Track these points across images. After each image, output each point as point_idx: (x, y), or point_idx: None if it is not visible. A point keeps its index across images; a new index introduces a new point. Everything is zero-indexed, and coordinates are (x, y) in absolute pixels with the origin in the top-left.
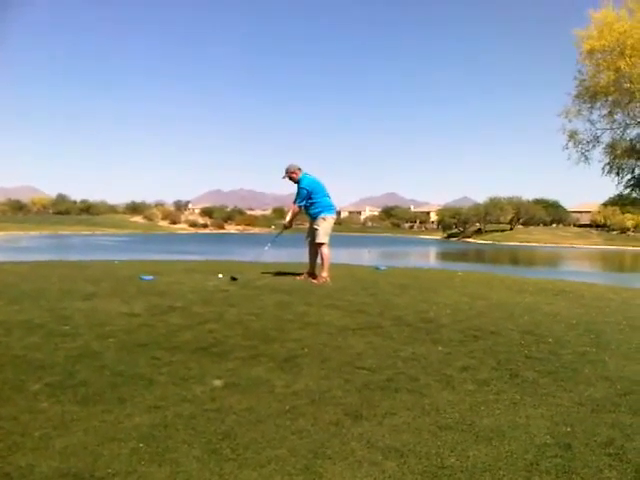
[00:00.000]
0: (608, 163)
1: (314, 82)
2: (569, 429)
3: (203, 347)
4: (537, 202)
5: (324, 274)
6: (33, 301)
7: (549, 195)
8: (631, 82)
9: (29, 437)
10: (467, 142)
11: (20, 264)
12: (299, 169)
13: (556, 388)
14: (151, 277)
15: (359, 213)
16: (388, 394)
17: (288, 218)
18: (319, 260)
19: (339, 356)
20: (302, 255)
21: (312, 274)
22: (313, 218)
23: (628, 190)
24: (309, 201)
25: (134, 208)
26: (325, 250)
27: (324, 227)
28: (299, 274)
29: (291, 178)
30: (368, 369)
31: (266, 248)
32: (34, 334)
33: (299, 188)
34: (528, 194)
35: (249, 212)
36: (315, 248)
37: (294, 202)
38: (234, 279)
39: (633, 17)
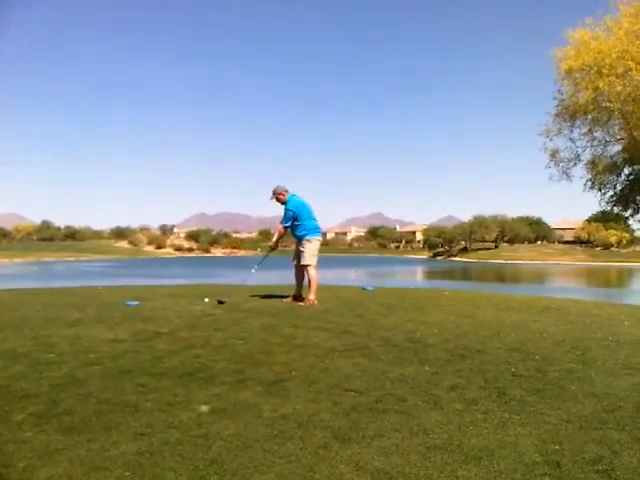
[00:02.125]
0: (590, 179)
1: (297, 103)
2: (557, 447)
3: (189, 372)
4: (521, 220)
5: (311, 296)
6: (17, 329)
7: (532, 212)
8: (609, 101)
9: (13, 468)
10: (451, 161)
11: (3, 292)
12: (286, 191)
13: (544, 406)
14: (136, 302)
15: (345, 234)
16: (376, 416)
17: (274, 239)
18: (306, 282)
19: (327, 378)
20: (289, 277)
21: (299, 297)
22: (299, 240)
23: (610, 206)
24: (295, 223)
25: (119, 233)
26: (312, 272)
27: (309, 249)
28: (285, 297)
29: (278, 199)
30: (356, 391)
31: (253, 271)
32: (18, 363)
33: (286, 209)
34: (512, 212)
35: (235, 235)
36: (302, 270)
37: (280, 223)
38: (221, 302)
39: (611, 36)
